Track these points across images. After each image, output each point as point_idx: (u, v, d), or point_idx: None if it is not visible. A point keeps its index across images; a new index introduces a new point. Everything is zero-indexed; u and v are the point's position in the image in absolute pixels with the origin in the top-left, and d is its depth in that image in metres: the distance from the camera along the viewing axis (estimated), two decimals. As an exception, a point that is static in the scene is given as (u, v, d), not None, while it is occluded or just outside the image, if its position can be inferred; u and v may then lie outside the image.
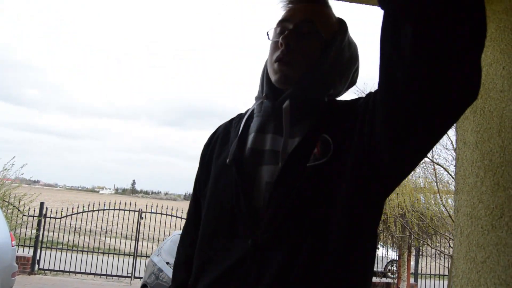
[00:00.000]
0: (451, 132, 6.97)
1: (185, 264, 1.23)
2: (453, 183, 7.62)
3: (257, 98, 1.15)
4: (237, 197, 1.03)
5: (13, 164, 10.13)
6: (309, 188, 0.97)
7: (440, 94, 0.75)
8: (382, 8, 0.79)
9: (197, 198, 1.24)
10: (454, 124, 1.13)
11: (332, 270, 0.94)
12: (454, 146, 6.72)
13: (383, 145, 0.89)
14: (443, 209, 8.21)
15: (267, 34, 1.12)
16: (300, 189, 0.97)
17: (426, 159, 7.54)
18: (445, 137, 7.22)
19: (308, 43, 1.05)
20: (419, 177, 9.11)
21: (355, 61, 1.14)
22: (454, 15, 0.71)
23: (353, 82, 1.16)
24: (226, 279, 1.02)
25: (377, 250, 11.61)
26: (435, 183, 7.84)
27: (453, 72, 0.73)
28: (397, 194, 8.24)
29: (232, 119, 1.24)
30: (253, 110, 1.15)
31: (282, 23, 1.08)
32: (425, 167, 8.84)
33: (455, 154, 6.69)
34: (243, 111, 1.24)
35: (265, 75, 1.13)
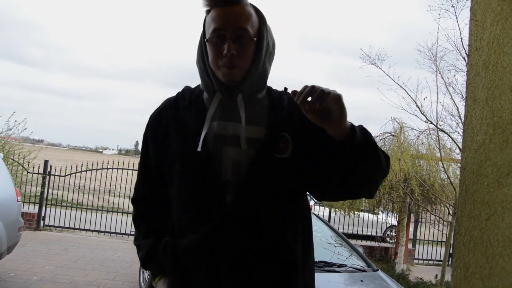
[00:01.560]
0: (457, 99, 6.89)
1: (146, 216, 1.50)
2: (456, 150, 7.59)
3: (207, 91, 1.38)
4: (209, 172, 1.30)
5: (15, 120, 10.15)
6: (275, 173, 1.30)
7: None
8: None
9: (151, 170, 1.47)
10: (465, 81, 1.23)
11: (283, 222, 1.32)
12: (459, 112, 6.66)
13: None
14: (444, 176, 8.23)
15: (204, 37, 1.34)
16: (269, 172, 1.30)
17: (430, 125, 7.49)
18: (450, 103, 7.15)
19: (245, 48, 1.30)
20: (422, 143, 9.10)
21: (274, 41, 1.41)
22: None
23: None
24: (210, 239, 1.28)
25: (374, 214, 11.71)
26: (438, 150, 7.83)
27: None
28: (399, 160, 8.25)
29: (176, 99, 1.45)
30: (202, 97, 1.41)
31: (218, 31, 1.29)
32: (428, 134, 8.81)
33: (460, 120, 6.63)
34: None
35: (209, 70, 1.34)
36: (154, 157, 1.44)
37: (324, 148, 1.27)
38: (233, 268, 1.27)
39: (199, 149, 1.29)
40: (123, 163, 10.92)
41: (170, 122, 1.41)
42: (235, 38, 1.28)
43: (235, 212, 1.28)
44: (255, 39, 1.32)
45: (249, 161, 1.30)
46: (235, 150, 1.31)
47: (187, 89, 1.47)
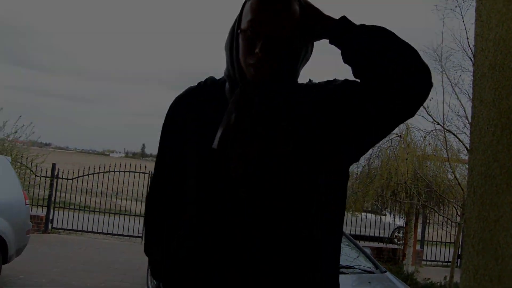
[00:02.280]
0: (464, 99, 6.85)
1: (159, 218, 1.43)
2: (464, 151, 7.54)
3: (229, 81, 1.31)
4: (223, 169, 1.24)
5: (23, 125, 10.22)
6: (283, 167, 1.23)
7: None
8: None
9: (168, 164, 1.39)
10: (471, 83, 1.20)
11: (298, 215, 1.26)
12: (466, 113, 6.63)
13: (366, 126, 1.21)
14: (451, 177, 8.18)
15: (240, 24, 1.24)
16: (276, 166, 1.24)
17: (437, 126, 7.46)
18: (457, 104, 7.11)
19: (279, 51, 1.20)
20: (429, 144, 9.05)
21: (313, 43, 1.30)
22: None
23: None
24: (227, 237, 1.25)
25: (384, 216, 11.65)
26: (445, 151, 7.78)
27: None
28: (406, 160, 8.21)
29: (196, 88, 1.39)
30: (225, 87, 1.32)
31: (255, 24, 1.19)
32: (435, 135, 8.77)
33: (467, 120, 6.58)
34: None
35: (235, 61, 1.26)
36: (172, 150, 1.38)
37: (349, 103, 1.22)
38: (250, 263, 1.25)
39: (215, 145, 1.23)
40: (130, 166, 10.97)
41: (189, 112, 1.35)
42: (272, 37, 1.18)
43: (250, 207, 1.25)
44: (292, 44, 1.22)
45: (257, 156, 1.26)
46: (244, 144, 1.26)
47: (210, 79, 1.41)
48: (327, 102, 1.25)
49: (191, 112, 1.34)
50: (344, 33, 1.18)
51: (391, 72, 1.13)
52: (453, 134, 7.26)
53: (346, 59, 1.21)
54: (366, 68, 1.17)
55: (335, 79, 1.32)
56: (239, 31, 1.24)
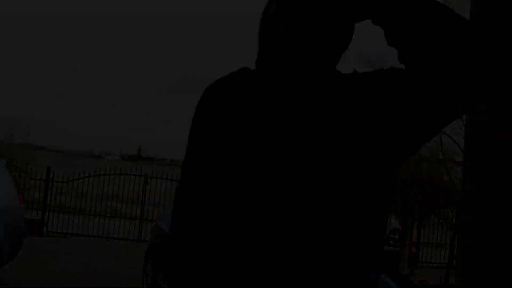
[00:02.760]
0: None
1: (182, 219, 1.34)
2: (459, 153, 7.58)
3: (259, 70, 1.22)
4: (231, 167, 1.18)
5: (18, 126, 10.20)
6: (281, 165, 1.15)
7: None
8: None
9: (192, 162, 1.32)
10: None
11: (301, 214, 1.15)
12: (462, 115, 6.66)
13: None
14: (447, 179, 8.22)
15: (268, 10, 1.16)
16: (275, 164, 1.16)
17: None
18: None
19: (307, 35, 1.09)
20: (425, 145, 9.09)
21: (353, 31, 1.17)
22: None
23: None
24: (228, 239, 1.19)
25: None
26: (440, 152, 7.82)
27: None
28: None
29: (225, 78, 1.30)
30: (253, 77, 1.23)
31: (281, 5, 1.12)
32: (431, 137, 8.79)
33: (462, 122, 6.62)
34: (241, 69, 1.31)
35: (262, 44, 1.19)
36: (196, 146, 1.34)
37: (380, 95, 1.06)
38: (251, 263, 1.22)
39: (237, 139, 1.18)
40: (126, 168, 10.96)
41: (213, 104, 1.30)
42: (300, 20, 1.09)
43: (253, 208, 1.21)
44: (327, 27, 1.11)
45: (259, 155, 1.20)
46: (246, 144, 1.21)
47: (243, 68, 1.33)
48: (368, 93, 1.10)
49: (215, 104, 1.29)
50: (389, 11, 1.03)
51: (444, 55, 0.97)
52: (448, 136, 7.29)
53: (390, 41, 1.06)
54: (413, 51, 1.02)
55: (382, 68, 1.19)
56: (267, 15, 1.17)
